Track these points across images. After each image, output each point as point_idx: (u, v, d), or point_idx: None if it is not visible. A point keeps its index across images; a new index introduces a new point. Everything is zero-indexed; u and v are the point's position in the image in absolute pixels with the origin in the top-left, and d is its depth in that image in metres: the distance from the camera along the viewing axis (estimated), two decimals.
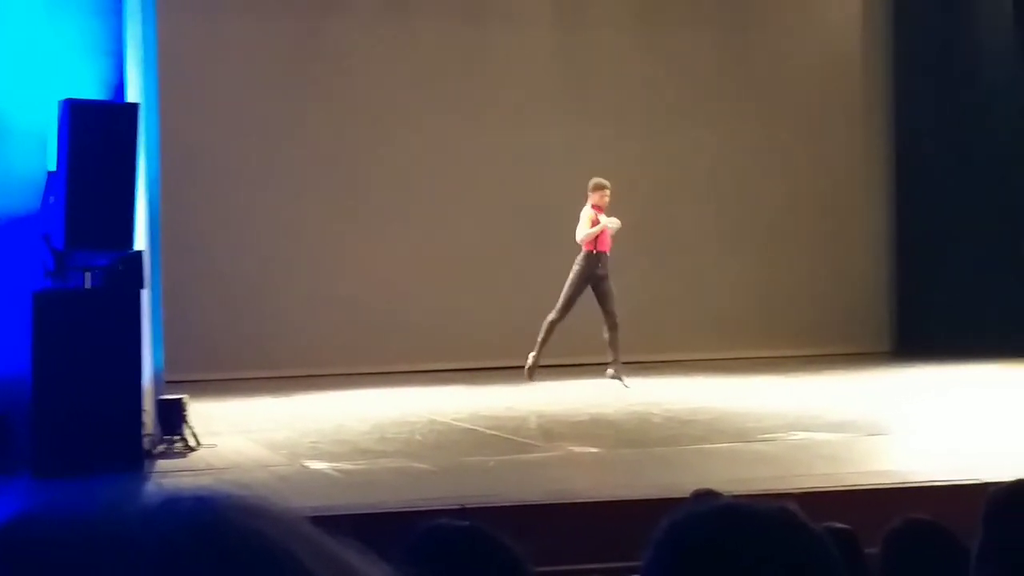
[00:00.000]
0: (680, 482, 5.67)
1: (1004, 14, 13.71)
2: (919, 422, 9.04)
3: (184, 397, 8.28)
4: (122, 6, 8.24)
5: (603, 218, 11.30)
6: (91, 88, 8.00)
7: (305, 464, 7.61)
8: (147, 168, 8.25)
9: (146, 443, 7.82)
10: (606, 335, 11.34)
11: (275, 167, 13.22)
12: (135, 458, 7.50)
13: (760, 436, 8.36)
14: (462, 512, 5.78)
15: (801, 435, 8.40)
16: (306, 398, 11.09)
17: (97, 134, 7.50)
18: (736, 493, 5.48)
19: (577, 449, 8.07)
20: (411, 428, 9.09)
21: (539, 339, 11.44)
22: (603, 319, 11.36)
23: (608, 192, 11.39)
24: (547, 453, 7.97)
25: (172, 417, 8.16)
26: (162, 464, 7.72)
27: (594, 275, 11.30)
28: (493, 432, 8.90)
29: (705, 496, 4.36)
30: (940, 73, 14.23)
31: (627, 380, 11.18)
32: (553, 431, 8.89)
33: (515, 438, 8.59)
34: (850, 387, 10.90)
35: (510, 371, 12.71)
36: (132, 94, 8.16)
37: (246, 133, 13.12)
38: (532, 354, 11.45)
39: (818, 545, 1.28)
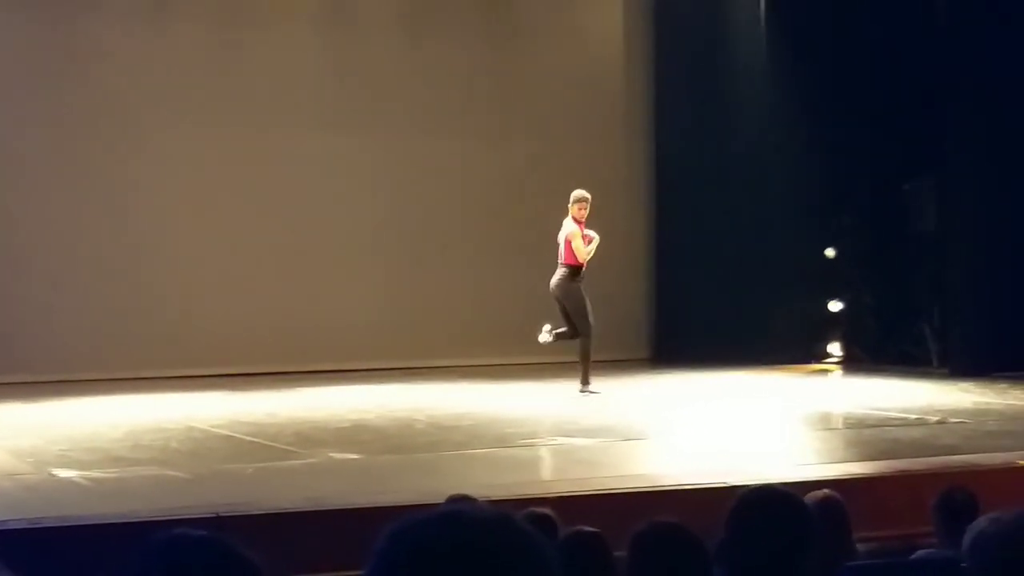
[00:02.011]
0: (439, 488, 5.68)
1: (758, 26, 14.22)
2: (673, 427, 9.32)
3: None
4: None
5: (593, 233, 11.06)
6: None
7: (53, 472, 7.34)
8: None
9: None
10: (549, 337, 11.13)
11: (24, 165, 12.75)
12: None
13: (520, 441, 8.46)
14: (217, 520, 5.66)
15: (560, 440, 8.55)
16: (57, 404, 10.73)
17: None
18: (493, 498, 5.54)
19: (338, 455, 8.01)
20: (167, 435, 8.87)
21: (583, 366, 11.06)
22: (566, 331, 11.11)
23: (588, 205, 11.08)
24: (307, 460, 7.89)
25: None
26: None
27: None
28: (252, 439, 8.77)
29: (459, 501, 4.38)
30: (698, 85, 14.67)
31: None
32: (314, 437, 8.79)
33: (275, 445, 8.47)
34: (609, 393, 11.13)
35: (271, 377, 12.56)
36: None
37: None
38: (584, 379, 11.07)
39: (537, 551, 1.29)
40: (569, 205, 11.15)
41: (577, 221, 11.09)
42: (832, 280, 14.27)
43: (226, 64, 13.49)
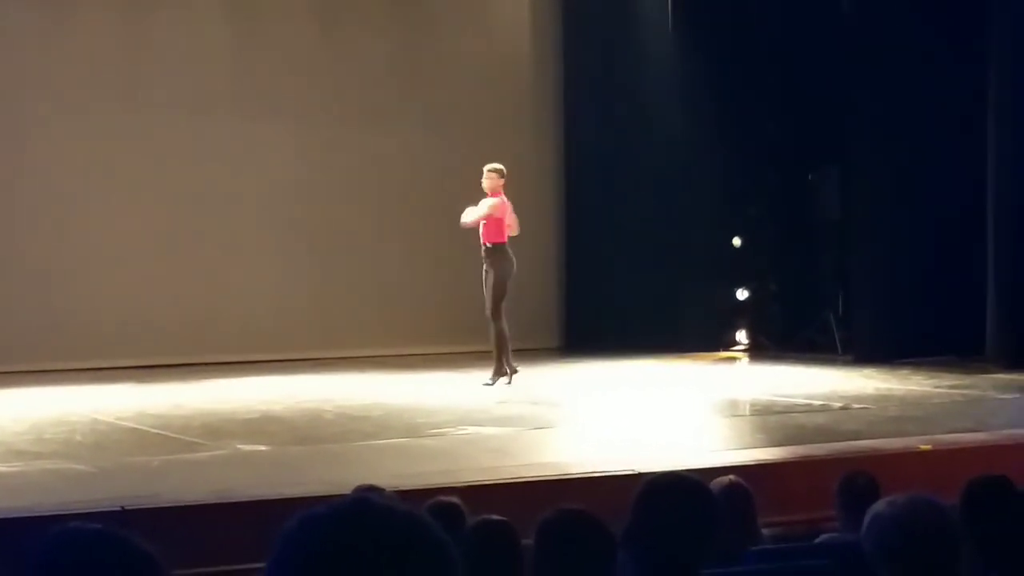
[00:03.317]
0: (347, 479, 5.66)
1: (665, 18, 14.31)
2: (583, 416, 9.36)
3: None
4: None
5: (489, 201, 10.97)
6: None
7: None
8: None
9: None
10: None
11: None
12: None
13: (430, 431, 8.45)
14: (121, 514, 5.59)
15: (469, 429, 8.55)
16: None
17: None
18: (402, 488, 5.54)
19: (245, 447, 7.95)
20: (71, 428, 8.74)
21: (496, 352, 10.97)
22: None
23: (496, 176, 11.04)
24: (214, 452, 7.81)
25: None
26: None
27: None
28: (158, 431, 8.66)
29: (367, 491, 4.37)
30: (606, 76, 14.74)
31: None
32: (221, 429, 8.71)
33: (181, 437, 8.38)
34: (520, 382, 11.15)
35: (178, 368, 12.42)
36: None
37: None
38: (504, 365, 10.95)
39: (440, 544, 1.29)
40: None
41: (495, 194, 11.07)
42: (739, 269, 14.43)
43: (131, 49, 13.28)
